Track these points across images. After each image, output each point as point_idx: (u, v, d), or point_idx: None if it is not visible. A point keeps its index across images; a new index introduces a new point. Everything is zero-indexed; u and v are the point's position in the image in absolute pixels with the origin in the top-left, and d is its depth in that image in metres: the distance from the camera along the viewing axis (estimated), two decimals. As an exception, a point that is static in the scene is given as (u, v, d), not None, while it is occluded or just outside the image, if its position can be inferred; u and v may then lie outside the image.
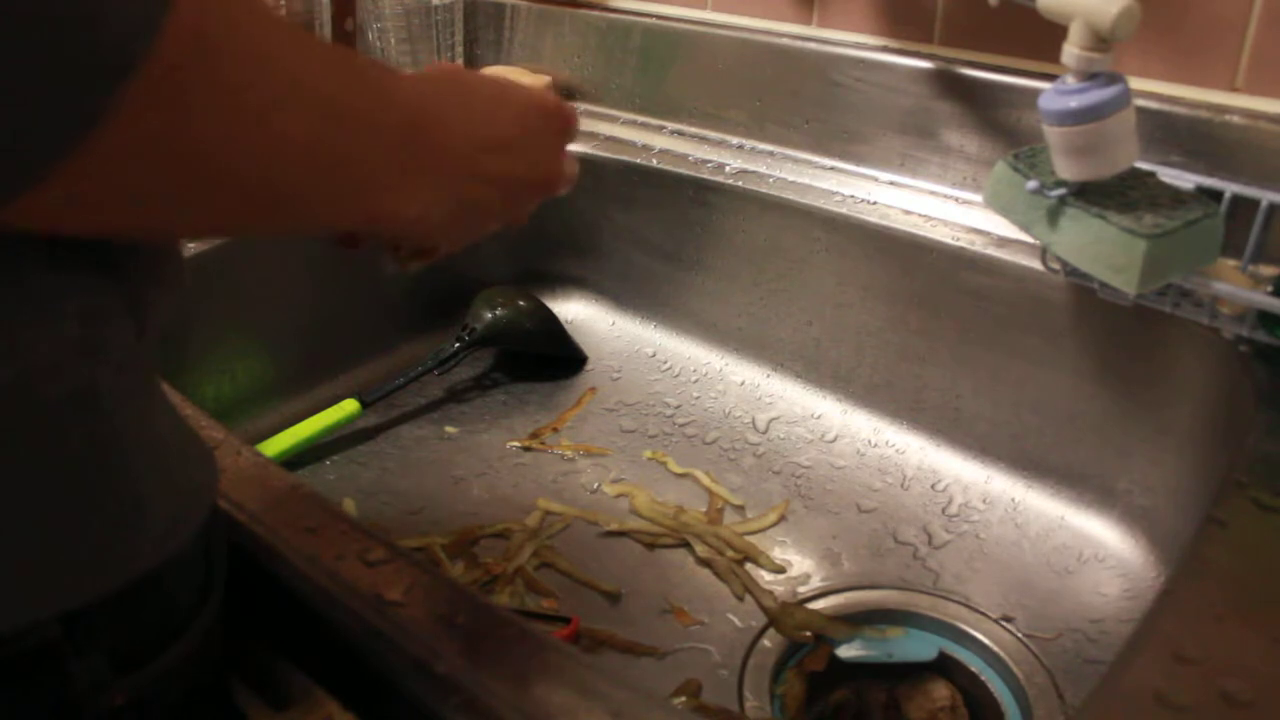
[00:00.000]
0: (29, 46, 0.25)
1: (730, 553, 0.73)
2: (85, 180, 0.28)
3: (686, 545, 0.74)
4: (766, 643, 0.66)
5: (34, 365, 0.33)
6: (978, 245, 0.75)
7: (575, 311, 1.01)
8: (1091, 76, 0.59)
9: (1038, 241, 0.68)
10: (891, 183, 0.83)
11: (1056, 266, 0.70)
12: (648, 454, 0.83)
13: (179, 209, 0.32)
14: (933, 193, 0.81)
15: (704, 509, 0.77)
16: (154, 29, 0.27)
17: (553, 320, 0.95)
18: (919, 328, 0.80)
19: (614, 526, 0.75)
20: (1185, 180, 0.67)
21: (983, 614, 0.68)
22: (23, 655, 0.34)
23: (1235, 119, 0.67)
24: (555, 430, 0.86)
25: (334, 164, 0.35)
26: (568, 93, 1.01)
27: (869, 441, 0.83)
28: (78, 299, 0.34)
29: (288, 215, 0.36)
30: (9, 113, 0.25)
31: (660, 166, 0.91)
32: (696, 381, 0.91)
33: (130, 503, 0.37)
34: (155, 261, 0.38)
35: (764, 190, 0.85)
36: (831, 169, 0.85)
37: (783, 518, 0.77)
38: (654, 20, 0.94)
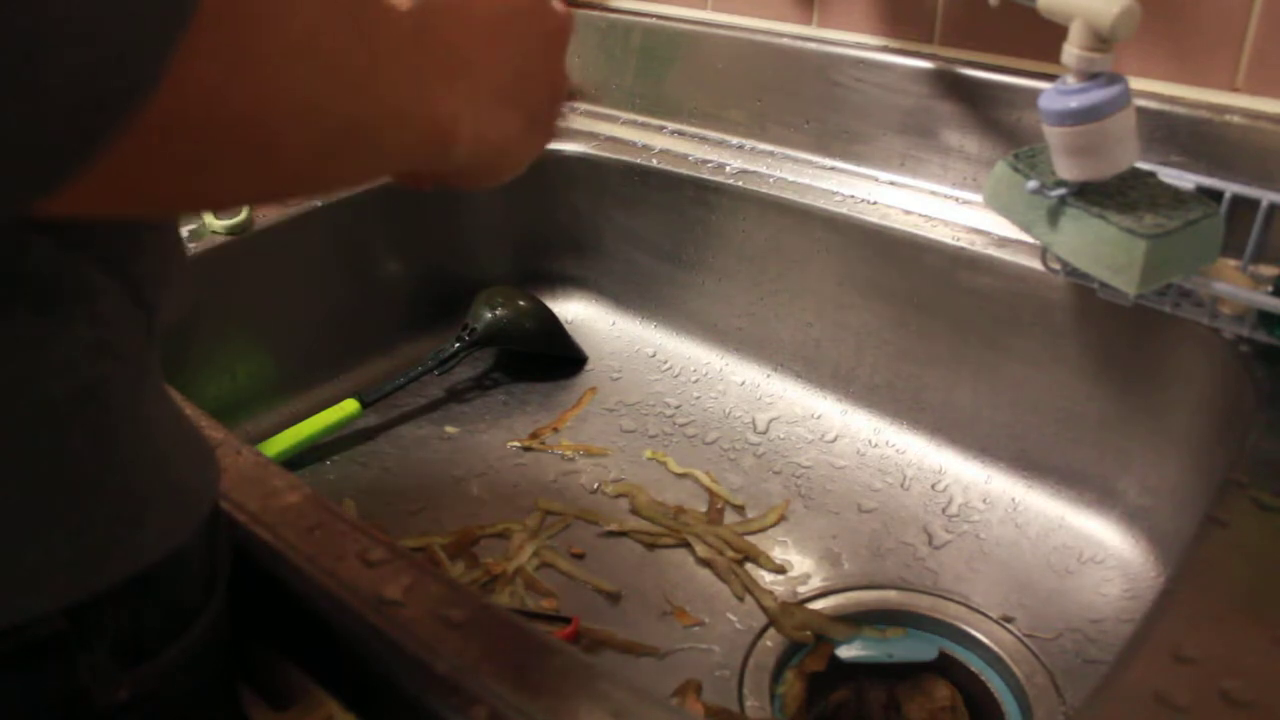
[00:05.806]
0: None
1: (730, 553, 0.73)
2: (146, 142, 0.25)
3: (686, 545, 0.74)
4: (767, 643, 0.66)
5: (45, 364, 0.33)
6: (978, 245, 0.75)
7: (575, 311, 1.01)
8: (1092, 76, 0.59)
9: (1038, 241, 0.68)
10: (892, 183, 0.82)
11: (1056, 266, 0.70)
12: (648, 454, 0.83)
13: (233, 165, 0.29)
14: (933, 193, 0.80)
15: (704, 509, 0.77)
16: None
17: (553, 320, 0.95)
18: (919, 328, 0.80)
19: (614, 526, 0.75)
20: (1185, 180, 0.67)
21: (983, 614, 0.68)
22: (30, 647, 0.34)
23: (1235, 119, 0.67)
24: (555, 430, 0.86)
25: (361, 74, 0.32)
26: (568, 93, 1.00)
27: (869, 441, 0.83)
28: (89, 300, 0.34)
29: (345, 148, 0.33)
30: (85, 64, 0.23)
31: (660, 166, 0.91)
32: (696, 381, 0.91)
33: (135, 498, 0.37)
34: (163, 261, 0.38)
35: (764, 190, 0.85)
36: (832, 169, 0.85)
37: (783, 518, 0.77)
38: (654, 20, 0.94)
